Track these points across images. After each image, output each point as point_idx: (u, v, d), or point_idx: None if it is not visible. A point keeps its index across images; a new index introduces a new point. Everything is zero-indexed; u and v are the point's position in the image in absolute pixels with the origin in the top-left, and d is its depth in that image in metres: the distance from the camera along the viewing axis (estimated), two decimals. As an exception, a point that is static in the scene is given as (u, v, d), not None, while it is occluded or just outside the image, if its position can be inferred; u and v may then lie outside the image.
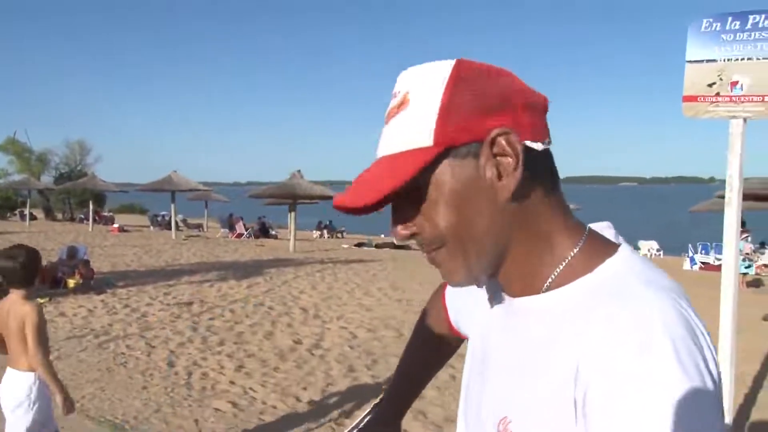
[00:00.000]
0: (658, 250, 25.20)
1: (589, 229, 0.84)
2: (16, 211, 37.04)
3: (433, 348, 1.27)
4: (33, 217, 31.61)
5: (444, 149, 0.75)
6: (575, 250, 0.80)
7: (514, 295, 0.84)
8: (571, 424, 0.71)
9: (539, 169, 0.79)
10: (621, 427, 0.65)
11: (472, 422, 0.92)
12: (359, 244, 25.34)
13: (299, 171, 22.45)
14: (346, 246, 24.87)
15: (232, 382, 6.04)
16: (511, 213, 0.78)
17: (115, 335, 7.73)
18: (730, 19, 3.52)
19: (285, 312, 9.55)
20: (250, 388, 5.88)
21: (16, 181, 34.18)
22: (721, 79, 3.51)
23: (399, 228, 0.82)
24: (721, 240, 3.63)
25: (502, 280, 0.84)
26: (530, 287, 0.81)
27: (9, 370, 3.34)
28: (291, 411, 5.31)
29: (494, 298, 0.90)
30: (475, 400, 0.91)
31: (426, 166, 0.75)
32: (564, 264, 0.80)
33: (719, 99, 3.52)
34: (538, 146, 0.78)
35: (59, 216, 39.32)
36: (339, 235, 32.58)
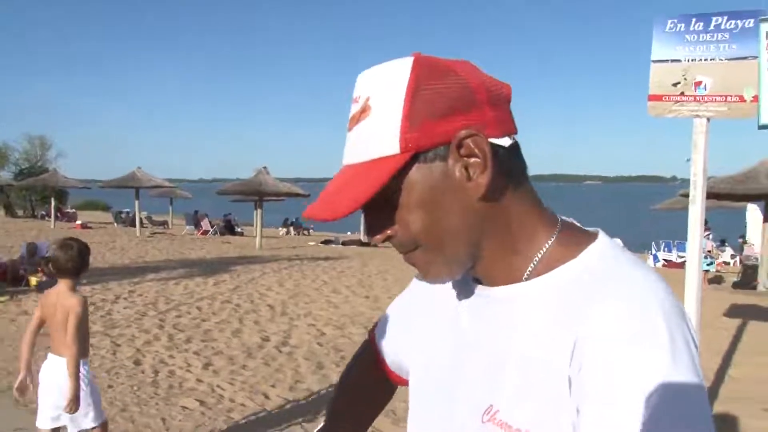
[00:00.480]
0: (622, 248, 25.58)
1: (562, 219, 0.85)
2: (-26, 208, 36.10)
3: (363, 400, 1.21)
4: (-8, 214, 30.83)
5: (411, 155, 0.76)
6: (552, 240, 0.81)
7: (492, 285, 0.84)
8: (564, 401, 0.72)
9: (508, 164, 0.80)
10: (612, 411, 0.67)
11: (440, 424, 0.89)
12: (326, 242, 25.26)
13: (265, 168, 22.27)
14: (312, 243, 24.77)
15: (199, 380, 5.97)
16: (484, 210, 0.78)
17: (79, 334, 7.57)
18: (693, 20, 3.60)
19: (252, 309, 9.47)
20: (218, 386, 5.82)
21: (-26, 177, 33.30)
22: (685, 79, 3.58)
23: (374, 233, 0.82)
24: (682, 238, 3.71)
25: (480, 273, 0.85)
26: (509, 277, 0.82)
27: (53, 357, 3.48)
28: (259, 408, 5.27)
29: (463, 292, 0.89)
30: (443, 398, 0.89)
31: (395, 174, 0.76)
32: (542, 253, 0.81)
33: (684, 98, 3.59)
34: (505, 142, 0.79)
35: (20, 213, 38.40)
36: (306, 232, 32.43)
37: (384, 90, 0.78)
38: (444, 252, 0.80)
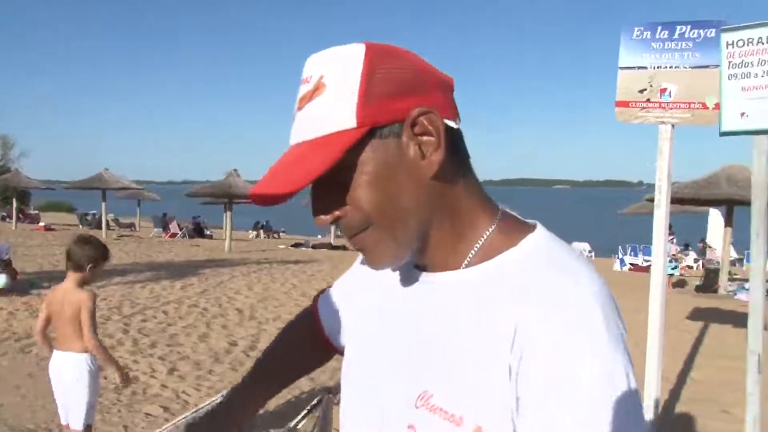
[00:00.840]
0: (589, 252, 25.91)
1: (503, 209, 0.86)
2: (-67, 209, 35.14)
3: (293, 362, 1.23)
4: (-49, 215, 30.06)
5: (367, 130, 0.76)
6: (492, 227, 0.83)
7: (434, 271, 0.85)
8: (503, 388, 0.72)
9: (458, 146, 0.82)
10: (560, 409, 0.69)
11: (372, 409, 0.87)
12: (296, 245, 25.14)
13: (236, 170, 22.14)
14: (282, 246, 24.63)
15: (164, 386, 5.88)
16: (434, 190, 0.79)
17: (40, 338, 7.40)
18: (659, 28, 3.65)
19: (220, 313, 9.37)
20: (183, 392, 5.74)
21: (-67, 177, 32.41)
22: (651, 86, 3.63)
23: (321, 214, 0.81)
24: (648, 242, 3.76)
25: (425, 258, 0.85)
26: (451, 263, 0.83)
27: (59, 353, 3.55)
28: (225, 414, 5.20)
29: (406, 278, 0.89)
30: (376, 383, 0.87)
31: (351, 148, 0.75)
32: (483, 240, 0.82)
33: (649, 105, 3.64)
34: (454, 125, 0.81)
35: (-20, 214, 37.52)
36: (276, 235, 32.25)
37: (339, 68, 0.78)
38: (395, 230, 0.79)
